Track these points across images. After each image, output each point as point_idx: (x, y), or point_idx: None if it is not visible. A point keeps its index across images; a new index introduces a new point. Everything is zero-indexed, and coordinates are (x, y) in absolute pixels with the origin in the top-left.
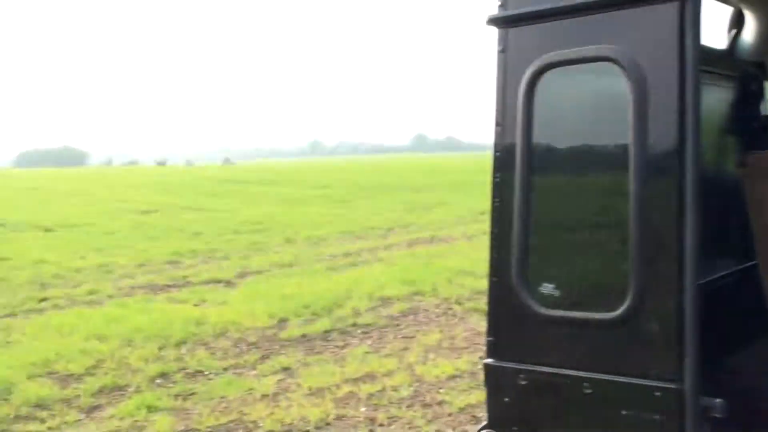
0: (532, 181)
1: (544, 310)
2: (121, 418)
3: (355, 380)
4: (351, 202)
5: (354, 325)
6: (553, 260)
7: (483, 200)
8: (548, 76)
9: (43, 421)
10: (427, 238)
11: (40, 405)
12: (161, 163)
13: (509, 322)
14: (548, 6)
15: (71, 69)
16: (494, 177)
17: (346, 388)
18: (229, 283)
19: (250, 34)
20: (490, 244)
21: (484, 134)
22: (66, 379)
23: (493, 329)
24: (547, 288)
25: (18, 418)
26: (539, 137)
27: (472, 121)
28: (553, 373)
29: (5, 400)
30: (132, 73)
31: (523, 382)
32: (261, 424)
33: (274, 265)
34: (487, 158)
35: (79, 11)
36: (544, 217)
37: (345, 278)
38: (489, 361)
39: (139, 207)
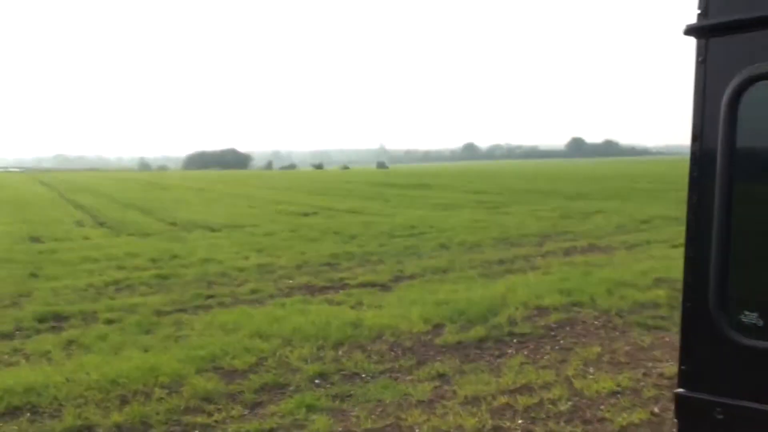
0: (734, 202)
1: (745, 340)
2: (282, 416)
3: (512, 391)
4: (505, 208)
5: (509, 334)
6: (757, 287)
7: (643, 208)
8: (756, 88)
9: (210, 414)
10: (584, 247)
11: (207, 398)
12: (318, 167)
13: (705, 350)
14: (758, 14)
15: (239, 74)
16: (690, 197)
17: (502, 399)
18: (384, 287)
19: (407, 33)
20: (685, 267)
21: (643, 137)
22: (231, 374)
23: (686, 357)
24: (750, 316)
25: (187, 409)
26: (744, 154)
27: (631, 124)
28: (756, 409)
29: (177, 392)
30: (292, 75)
31: (720, 416)
32: (417, 431)
33: (428, 270)
34: (647, 164)
35: (237, 19)
36: (747, 241)
37: (500, 285)
38: (681, 391)
39: (298, 209)
